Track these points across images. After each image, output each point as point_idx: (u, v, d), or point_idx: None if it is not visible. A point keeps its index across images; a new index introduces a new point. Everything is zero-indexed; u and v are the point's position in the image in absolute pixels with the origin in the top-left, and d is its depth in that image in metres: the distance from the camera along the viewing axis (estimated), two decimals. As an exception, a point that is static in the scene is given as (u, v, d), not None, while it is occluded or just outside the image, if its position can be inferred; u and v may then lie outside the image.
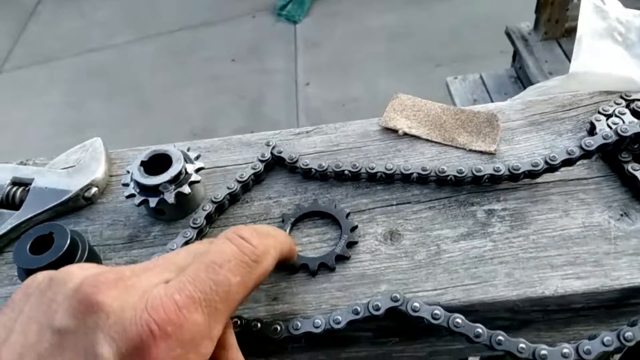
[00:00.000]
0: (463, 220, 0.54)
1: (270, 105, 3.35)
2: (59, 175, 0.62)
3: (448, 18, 3.60)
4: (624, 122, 0.57)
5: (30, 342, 0.32)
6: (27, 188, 0.61)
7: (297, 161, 0.60)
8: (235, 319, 0.48)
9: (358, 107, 3.14)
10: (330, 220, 0.56)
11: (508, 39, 2.61)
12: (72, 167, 0.63)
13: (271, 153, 0.61)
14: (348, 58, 3.55)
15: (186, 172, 0.56)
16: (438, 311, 0.46)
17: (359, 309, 0.47)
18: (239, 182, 0.59)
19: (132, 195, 0.56)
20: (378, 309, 0.47)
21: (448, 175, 0.56)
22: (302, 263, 0.52)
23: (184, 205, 0.58)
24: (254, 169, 0.60)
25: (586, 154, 0.54)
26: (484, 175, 0.55)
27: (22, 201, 0.60)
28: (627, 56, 0.63)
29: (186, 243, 0.54)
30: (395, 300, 0.47)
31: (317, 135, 0.65)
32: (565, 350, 0.44)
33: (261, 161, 0.61)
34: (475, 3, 3.60)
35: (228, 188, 0.58)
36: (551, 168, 0.54)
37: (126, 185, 0.57)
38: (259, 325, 0.48)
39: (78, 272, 0.35)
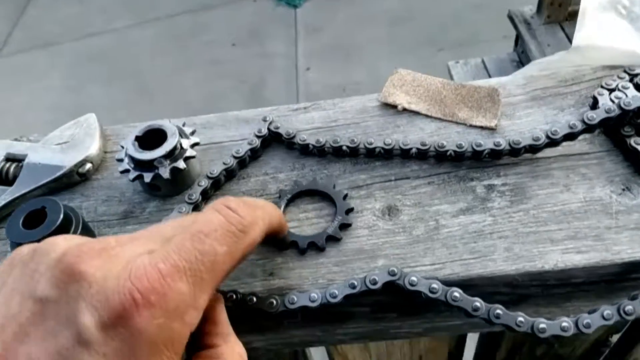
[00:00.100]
0: (462, 195, 0.54)
1: (271, 90, 3.33)
2: (52, 151, 0.61)
3: (450, 2, 3.56)
4: (627, 96, 0.56)
5: (12, 313, 0.31)
6: (20, 164, 0.60)
7: (294, 137, 0.59)
8: (231, 293, 0.47)
9: (359, 91, 3.10)
10: (328, 197, 0.55)
11: (510, 23, 2.58)
12: (66, 142, 0.62)
13: (268, 129, 0.60)
14: (349, 42, 3.51)
15: (181, 147, 0.55)
16: (436, 285, 0.46)
17: (355, 283, 0.47)
18: (235, 157, 0.58)
19: (126, 171, 0.55)
20: (375, 283, 0.46)
21: (447, 150, 0.55)
22: (292, 240, 0.51)
23: (179, 181, 0.57)
24: (250, 144, 0.59)
25: (588, 128, 0.53)
26: (484, 150, 0.54)
27: (15, 177, 0.59)
28: (631, 29, 0.62)
29: (181, 218, 0.53)
30: (392, 274, 0.46)
31: (315, 111, 0.64)
32: (564, 324, 0.43)
33: (258, 137, 0.60)
34: (477, -14, 3.56)
35: (224, 164, 0.57)
36: (553, 142, 0.53)
37: (120, 160, 0.56)
38: (254, 299, 0.47)
39: (62, 242, 0.34)
